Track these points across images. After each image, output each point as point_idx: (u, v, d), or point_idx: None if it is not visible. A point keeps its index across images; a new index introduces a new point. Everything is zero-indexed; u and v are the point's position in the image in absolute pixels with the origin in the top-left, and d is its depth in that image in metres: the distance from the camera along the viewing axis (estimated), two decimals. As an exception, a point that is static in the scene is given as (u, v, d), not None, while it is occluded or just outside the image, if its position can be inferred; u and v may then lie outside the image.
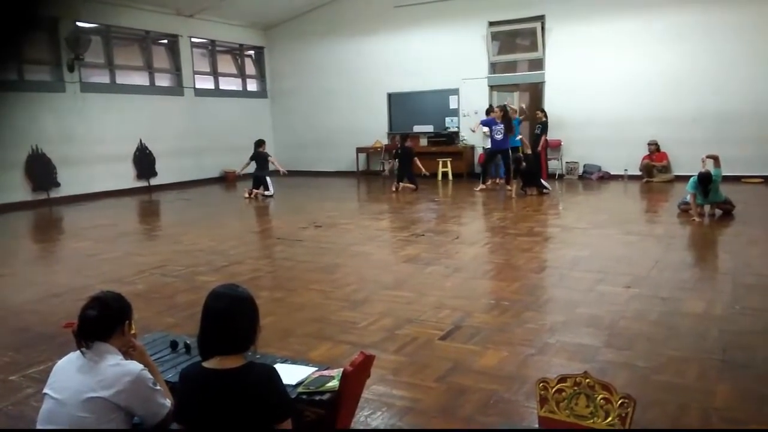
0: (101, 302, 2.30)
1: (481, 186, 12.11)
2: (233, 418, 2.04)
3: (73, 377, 2.21)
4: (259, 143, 12.61)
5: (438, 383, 3.39)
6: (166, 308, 4.97)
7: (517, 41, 14.28)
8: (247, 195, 12.15)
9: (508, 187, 11.54)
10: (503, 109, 12.00)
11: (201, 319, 2.15)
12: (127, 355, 2.36)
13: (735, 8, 11.90)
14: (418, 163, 12.90)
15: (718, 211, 8.36)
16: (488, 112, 12.86)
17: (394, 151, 13.69)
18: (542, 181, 11.61)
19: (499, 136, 11.88)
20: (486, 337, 4.07)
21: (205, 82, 15.76)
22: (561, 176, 13.69)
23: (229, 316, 2.12)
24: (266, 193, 12.15)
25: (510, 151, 11.85)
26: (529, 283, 5.47)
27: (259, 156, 12.44)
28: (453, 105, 14.91)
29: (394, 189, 12.49)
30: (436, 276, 5.74)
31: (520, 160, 11.54)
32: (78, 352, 2.27)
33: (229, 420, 2.04)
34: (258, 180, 12.27)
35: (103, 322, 2.27)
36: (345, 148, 16.10)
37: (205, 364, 2.11)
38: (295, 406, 2.34)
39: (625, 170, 13.11)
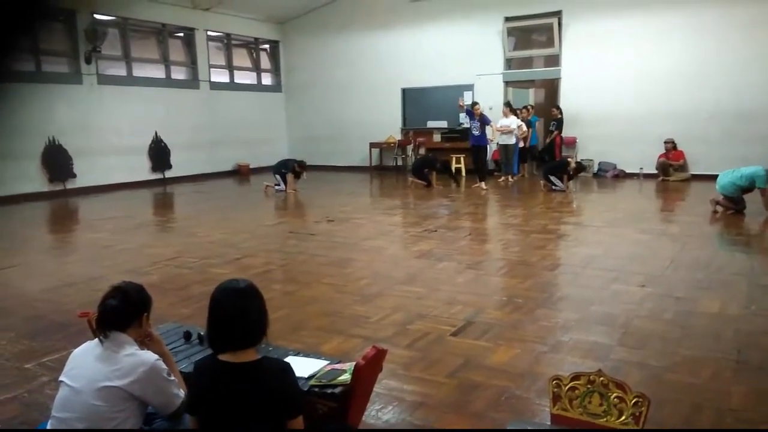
0: (123, 293, 2.32)
1: (479, 184, 11.86)
2: (245, 411, 2.04)
3: (89, 366, 2.23)
4: (299, 164, 12.35)
5: (449, 379, 3.39)
6: (180, 299, 5.00)
7: (533, 37, 14.17)
8: (268, 186, 12.26)
9: (481, 185, 11.69)
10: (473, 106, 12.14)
11: (208, 317, 2.14)
12: (143, 345, 2.38)
13: (752, 5, 11.74)
14: None
15: (718, 207, 8.45)
16: (508, 106, 12.87)
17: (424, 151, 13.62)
18: (552, 178, 11.45)
19: (476, 132, 11.97)
20: (498, 333, 4.06)
21: (221, 76, 15.82)
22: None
23: (237, 314, 2.10)
24: (277, 187, 12.17)
25: (487, 149, 12.35)
26: (542, 281, 5.44)
27: (289, 167, 12.23)
28: (467, 101, 14.83)
29: (410, 182, 12.65)
30: (448, 272, 5.73)
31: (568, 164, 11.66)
32: (95, 340, 2.29)
33: (241, 413, 2.04)
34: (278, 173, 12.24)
35: (123, 312, 2.29)
36: (358, 142, 16.10)
37: (220, 357, 2.11)
38: (307, 400, 2.34)
39: (641, 168, 12.99)
